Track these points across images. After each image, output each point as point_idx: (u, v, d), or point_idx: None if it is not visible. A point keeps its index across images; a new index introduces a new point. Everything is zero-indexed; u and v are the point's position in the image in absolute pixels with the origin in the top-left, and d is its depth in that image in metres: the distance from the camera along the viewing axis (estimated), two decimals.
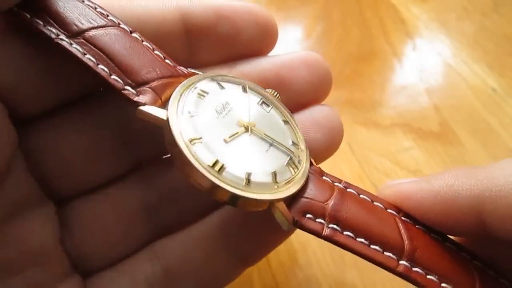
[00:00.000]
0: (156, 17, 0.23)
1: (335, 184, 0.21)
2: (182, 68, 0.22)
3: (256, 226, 0.24)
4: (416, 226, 0.20)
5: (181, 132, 0.19)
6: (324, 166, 0.23)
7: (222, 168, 0.19)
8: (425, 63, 0.45)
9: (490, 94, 0.42)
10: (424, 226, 0.20)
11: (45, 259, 0.22)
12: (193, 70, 0.23)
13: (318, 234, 0.20)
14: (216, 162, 0.19)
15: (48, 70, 0.22)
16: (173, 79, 0.21)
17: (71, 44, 0.20)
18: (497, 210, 0.18)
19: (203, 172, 0.19)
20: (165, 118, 0.19)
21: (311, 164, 0.22)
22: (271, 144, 0.21)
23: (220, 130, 0.20)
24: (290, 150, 0.21)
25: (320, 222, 0.20)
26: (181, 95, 0.20)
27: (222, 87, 0.21)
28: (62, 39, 0.20)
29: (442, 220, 0.20)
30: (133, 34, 0.22)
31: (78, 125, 0.23)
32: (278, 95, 0.23)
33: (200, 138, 0.19)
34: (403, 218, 0.20)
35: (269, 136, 0.21)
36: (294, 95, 0.25)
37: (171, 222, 0.25)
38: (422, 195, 0.20)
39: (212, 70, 0.24)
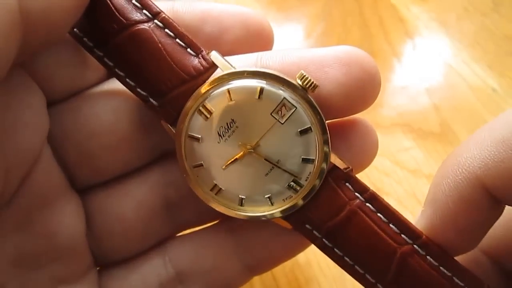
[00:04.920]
0: None
1: (356, 194, 0.21)
2: (201, 60, 0.21)
3: (268, 237, 0.24)
4: (428, 260, 0.20)
5: (185, 157, 0.21)
6: None
7: (219, 191, 0.21)
8: (425, 63, 0.45)
9: (490, 94, 0.42)
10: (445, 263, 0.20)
11: (72, 253, 0.22)
12: (215, 57, 0.21)
13: (311, 241, 0.22)
14: (214, 186, 0.21)
15: (79, 55, 0.22)
16: (184, 87, 0.21)
17: (103, 57, 0.22)
18: (497, 179, 0.18)
19: (202, 195, 0.22)
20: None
21: (336, 168, 0.21)
22: (273, 167, 0.21)
23: (220, 156, 0.21)
24: (295, 171, 0.21)
25: (316, 235, 0.21)
26: (187, 114, 0.21)
27: (232, 100, 0.21)
28: (95, 52, 0.22)
29: (470, 218, 0.19)
30: (166, 30, 0.22)
31: (96, 109, 0.23)
32: (312, 84, 0.20)
33: (201, 165, 0.21)
34: (416, 246, 0.20)
35: (272, 159, 0.21)
36: (323, 104, 0.21)
37: (190, 221, 0.25)
38: (439, 219, 0.20)
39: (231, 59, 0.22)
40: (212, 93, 0.21)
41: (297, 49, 0.22)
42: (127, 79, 0.22)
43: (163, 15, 0.21)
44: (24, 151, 0.20)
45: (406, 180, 0.37)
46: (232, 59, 0.22)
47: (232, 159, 0.21)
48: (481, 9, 0.48)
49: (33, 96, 0.20)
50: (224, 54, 0.22)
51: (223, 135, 0.21)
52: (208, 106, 0.21)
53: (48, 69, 0.21)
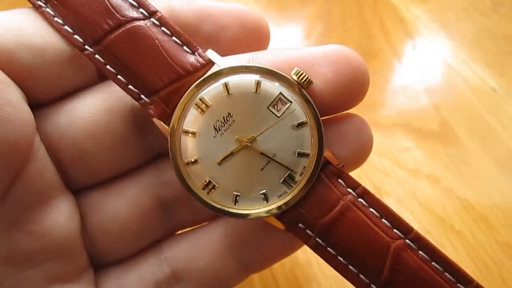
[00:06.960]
0: None
1: (348, 190, 0.21)
2: (198, 57, 0.22)
3: (263, 236, 0.24)
4: (421, 255, 0.20)
5: (180, 153, 0.21)
6: None
7: (213, 188, 0.21)
8: (425, 63, 0.45)
9: (490, 94, 0.42)
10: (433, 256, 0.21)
11: (67, 252, 0.22)
12: (211, 54, 0.22)
13: (304, 242, 0.22)
14: (208, 183, 0.21)
15: (65, 53, 0.22)
16: (180, 82, 0.21)
17: (94, 54, 0.21)
18: None
19: (195, 192, 0.21)
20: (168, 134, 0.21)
21: (328, 164, 0.21)
22: (269, 161, 0.21)
23: (215, 151, 0.21)
24: (290, 165, 0.21)
25: (309, 234, 0.21)
26: (183, 108, 0.21)
27: (229, 93, 0.21)
28: (87, 49, 0.21)
29: None
30: (163, 28, 0.22)
31: (90, 109, 0.23)
32: (307, 79, 0.21)
33: (195, 161, 0.21)
34: (408, 241, 0.21)
35: (268, 153, 0.21)
36: (314, 101, 0.21)
37: (185, 221, 0.25)
38: None
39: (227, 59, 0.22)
40: (209, 87, 0.21)
41: (288, 48, 0.22)
42: (118, 76, 0.21)
43: (160, 14, 0.22)
44: (9, 146, 0.19)
45: (406, 180, 0.37)
46: (225, 59, 0.22)
47: (228, 154, 0.21)
48: (481, 9, 0.49)
49: (10, 92, 0.20)
50: (222, 52, 0.22)
51: (219, 129, 0.21)
52: (205, 99, 0.21)
53: (30, 68, 0.21)
